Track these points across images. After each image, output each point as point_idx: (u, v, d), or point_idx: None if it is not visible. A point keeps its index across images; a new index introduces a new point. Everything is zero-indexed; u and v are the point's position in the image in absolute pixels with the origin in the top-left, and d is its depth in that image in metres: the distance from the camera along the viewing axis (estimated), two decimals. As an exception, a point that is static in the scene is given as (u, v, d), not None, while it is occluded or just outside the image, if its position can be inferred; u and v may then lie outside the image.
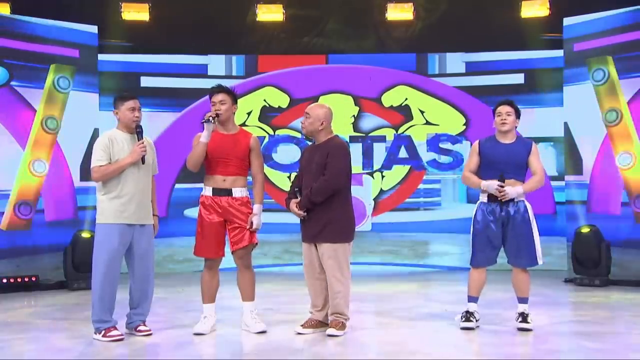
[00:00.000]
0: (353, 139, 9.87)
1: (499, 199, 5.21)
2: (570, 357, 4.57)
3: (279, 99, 10.01)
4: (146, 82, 9.72)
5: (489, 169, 5.30)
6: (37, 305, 6.96)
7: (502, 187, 5.17)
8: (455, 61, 9.95)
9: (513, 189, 5.20)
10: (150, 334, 5.11)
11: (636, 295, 7.15)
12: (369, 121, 10.02)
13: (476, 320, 5.32)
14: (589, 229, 8.15)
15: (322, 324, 5.18)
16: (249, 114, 9.89)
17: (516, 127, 5.41)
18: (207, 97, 5.28)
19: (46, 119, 8.38)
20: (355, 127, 10.00)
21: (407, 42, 9.97)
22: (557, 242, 9.25)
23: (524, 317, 5.24)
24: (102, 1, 9.27)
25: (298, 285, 7.43)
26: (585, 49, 8.56)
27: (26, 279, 7.86)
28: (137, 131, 5.10)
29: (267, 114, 9.99)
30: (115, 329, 4.98)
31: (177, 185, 9.71)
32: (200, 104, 9.34)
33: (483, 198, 5.34)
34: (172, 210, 9.63)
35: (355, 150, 9.75)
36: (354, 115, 10.00)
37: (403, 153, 10.00)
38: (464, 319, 5.31)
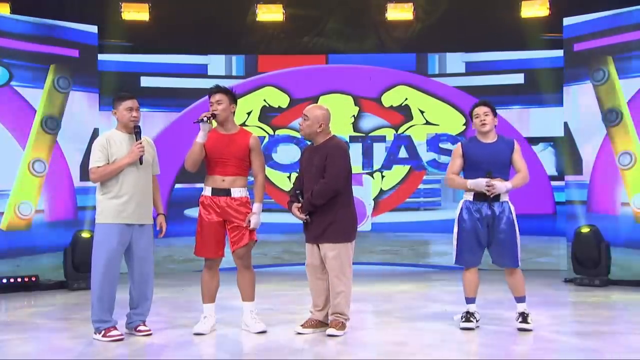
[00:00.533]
0: (353, 139, 9.87)
1: (487, 194, 5.19)
2: (570, 357, 4.57)
3: (279, 99, 10.02)
4: (146, 82, 9.73)
5: (474, 170, 5.29)
6: (37, 305, 6.95)
7: (490, 183, 5.16)
8: (455, 61, 9.96)
9: (502, 184, 5.19)
10: (150, 334, 5.11)
11: (636, 295, 7.15)
12: (369, 121, 10.02)
13: (476, 321, 5.32)
14: (588, 229, 8.15)
15: (322, 324, 5.18)
16: (249, 114, 9.90)
17: (495, 125, 5.40)
18: (207, 97, 5.29)
19: (46, 119, 8.37)
20: (355, 127, 10.01)
21: (407, 42, 9.98)
22: (557, 242, 9.27)
23: (524, 317, 5.23)
24: (102, 1, 9.28)
25: (298, 285, 7.45)
26: (585, 49, 8.55)
27: (26, 279, 7.86)
28: (135, 131, 5.09)
29: (267, 114, 9.99)
30: (115, 329, 4.98)
31: (177, 185, 9.72)
32: (200, 104, 9.34)
33: (468, 197, 5.33)
34: (172, 210, 9.62)
35: (355, 150, 9.76)
36: (353, 115, 10.01)
37: (403, 153, 10.01)
38: (464, 320, 5.30)
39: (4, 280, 7.74)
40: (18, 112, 8.19)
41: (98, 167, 4.99)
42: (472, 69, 9.92)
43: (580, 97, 8.62)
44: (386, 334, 5.34)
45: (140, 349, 4.80)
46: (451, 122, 9.93)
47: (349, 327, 5.17)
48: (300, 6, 9.82)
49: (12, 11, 8.49)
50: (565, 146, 8.89)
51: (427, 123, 9.98)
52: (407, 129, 9.99)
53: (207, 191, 5.20)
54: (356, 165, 9.68)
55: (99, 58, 9.00)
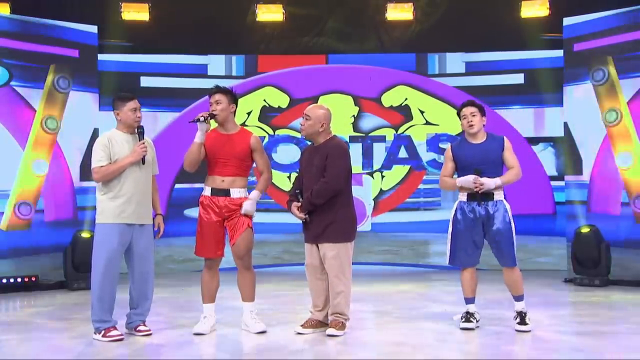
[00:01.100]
0: (353, 139, 9.87)
1: (476, 190, 5.16)
2: (570, 357, 4.57)
3: (279, 99, 10.02)
4: (146, 82, 9.73)
5: (465, 171, 5.25)
6: (37, 305, 6.95)
7: (477, 180, 5.12)
8: (455, 61, 9.96)
9: (490, 180, 5.13)
10: (150, 334, 5.10)
11: (636, 295, 7.15)
12: (369, 121, 10.02)
13: (476, 321, 5.32)
14: (588, 229, 8.15)
15: (322, 324, 5.18)
16: (249, 114, 9.90)
17: (484, 125, 5.34)
18: (207, 97, 5.28)
19: (46, 119, 8.38)
20: (355, 127, 10.01)
21: (407, 42, 9.98)
22: (557, 242, 9.26)
23: (522, 317, 5.21)
24: (102, 1, 9.28)
25: (298, 285, 7.45)
26: (585, 49, 8.56)
27: (26, 279, 7.86)
28: (138, 131, 5.10)
29: (267, 114, 10.00)
30: (115, 329, 4.98)
31: (177, 185, 9.72)
32: (200, 104, 9.33)
33: (462, 197, 5.31)
34: (172, 210, 9.63)
35: (355, 150, 9.76)
36: (353, 115, 10.01)
37: (403, 153, 10.01)
38: (463, 320, 5.30)
39: (4, 280, 7.74)
40: (18, 112, 8.20)
41: (101, 166, 4.99)
42: (472, 69, 9.92)
43: (580, 97, 8.62)
44: (386, 334, 5.34)
45: (140, 349, 4.80)
46: (451, 122, 9.85)
47: (348, 327, 5.17)
48: (300, 6, 9.82)
49: (12, 11, 8.49)
50: (565, 146, 8.89)
51: (427, 123, 9.98)
52: (407, 129, 9.99)
53: (207, 191, 5.20)
54: (356, 165, 9.69)
55: (98, 58, 9.01)
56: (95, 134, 8.35)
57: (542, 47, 9.54)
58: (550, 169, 9.68)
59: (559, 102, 9.15)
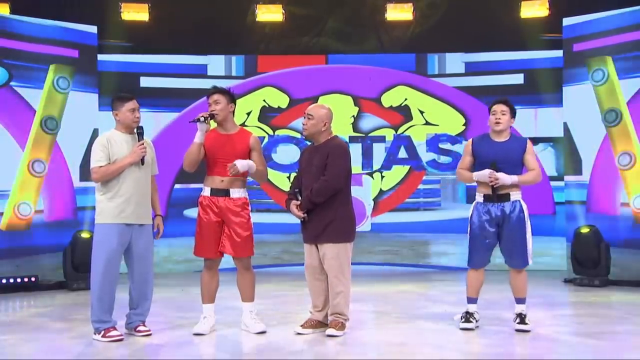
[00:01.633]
0: (353, 139, 9.87)
1: (490, 185, 5.15)
2: (569, 357, 4.57)
3: (279, 99, 10.02)
4: (146, 82, 9.73)
5: (483, 167, 5.23)
6: (37, 305, 6.95)
7: (493, 174, 5.11)
8: (455, 61, 9.96)
9: (506, 176, 5.13)
10: (150, 334, 5.10)
11: (636, 295, 7.16)
12: (369, 121, 10.02)
13: (476, 321, 5.32)
14: (588, 229, 8.15)
15: (322, 324, 5.18)
16: (248, 114, 9.90)
17: (511, 126, 5.35)
18: (205, 97, 5.28)
19: (46, 119, 8.37)
20: (355, 127, 10.01)
21: (406, 42, 9.98)
22: (557, 242, 9.26)
23: (521, 318, 5.22)
24: (102, 1, 9.28)
25: (298, 286, 7.45)
26: (585, 49, 8.56)
27: (26, 279, 7.86)
28: (137, 132, 5.10)
29: (267, 114, 9.99)
30: (115, 329, 4.98)
31: (177, 186, 9.72)
32: (199, 104, 9.33)
33: (479, 198, 5.31)
34: (171, 210, 9.63)
35: (355, 151, 9.75)
36: (353, 116, 10.00)
37: (403, 153, 10.01)
38: (463, 320, 5.30)
39: (4, 280, 7.74)
40: (18, 112, 8.19)
41: (100, 166, 4.99)
42: (472, 69, 9.92)
43: (579, 97, 8.62)
44: (386, 334, 5.33)
45: (139, 349, 4.80)
46: (451, 122, 9.93)
47: (348, 328, 5.17)
48: (300, 6, 9.82)
49: (12, 11, 8.49)
50: (564, 146, 8.90)
51: (427, 123, 9.98)
52: (406, 129, 9.99)
53: (206, 191, 5.20)
54: (356, 166, 9.68)
55: (98, 58, 9.01)
56: (95, 134, 8.34)
57: (541, 48, 9.54)
58: (550, 169, 9.67)
59: (559, 103, 9.15)
